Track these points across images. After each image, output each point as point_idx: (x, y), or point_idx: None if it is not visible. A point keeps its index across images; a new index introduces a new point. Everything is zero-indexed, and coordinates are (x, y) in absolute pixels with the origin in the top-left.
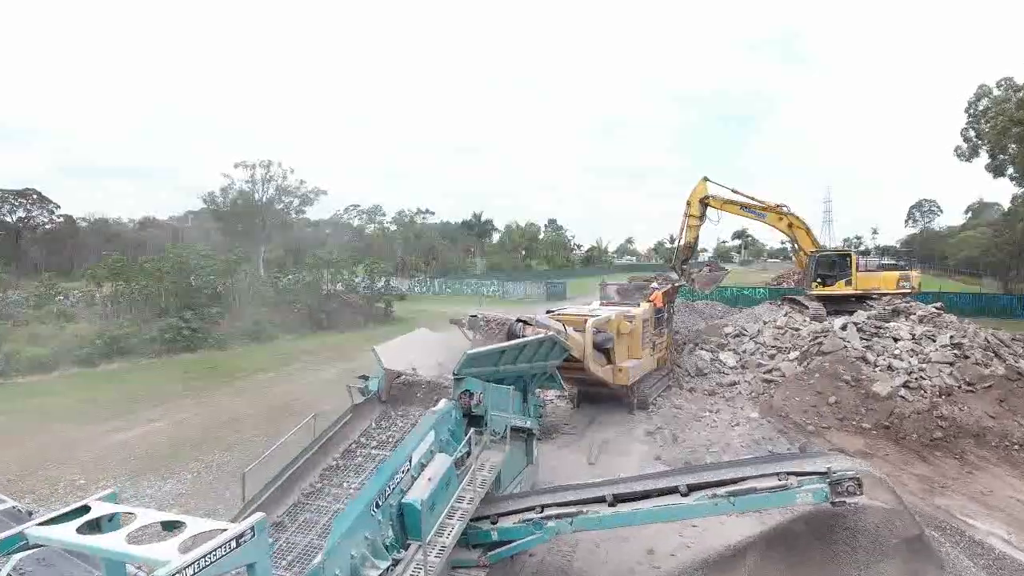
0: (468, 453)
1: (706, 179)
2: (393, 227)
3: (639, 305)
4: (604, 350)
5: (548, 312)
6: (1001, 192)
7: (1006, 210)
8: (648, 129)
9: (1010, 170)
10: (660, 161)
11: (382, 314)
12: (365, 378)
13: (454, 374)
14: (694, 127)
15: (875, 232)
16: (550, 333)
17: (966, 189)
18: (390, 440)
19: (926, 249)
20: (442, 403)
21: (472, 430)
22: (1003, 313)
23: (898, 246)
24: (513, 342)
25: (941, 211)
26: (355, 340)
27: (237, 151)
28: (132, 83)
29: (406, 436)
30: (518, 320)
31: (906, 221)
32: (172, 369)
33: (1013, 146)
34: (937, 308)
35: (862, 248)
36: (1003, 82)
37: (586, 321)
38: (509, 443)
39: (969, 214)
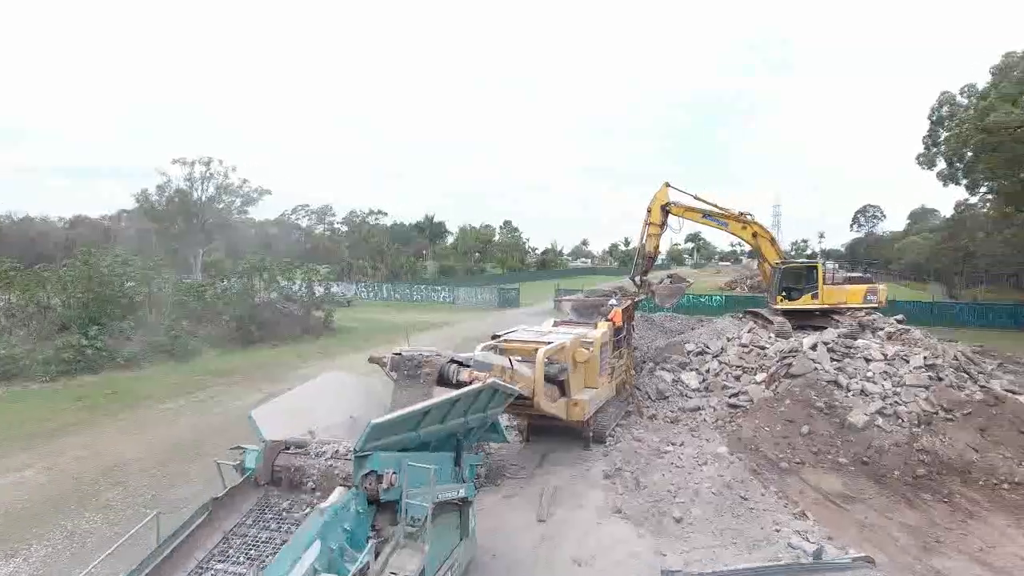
0: (373, 560)
1: (668, 184)
2: (344, 228)
3: (596, 326)
4: (558, 382)
5: (494, 337)
6: (949, 199)
7: (947, 217)
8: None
9: (964, 180)
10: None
11: (321, 325)
12: (242, 449)
13: (355, 451)
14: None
15: (821, 236)
16: (490, 380)
17: (914, 195)
18: (264, 546)
19: (871, 253)
20: (335, 495)
21: (372, 541)
22: (955, 321)
23: (843, 250)
24: (437, 400)
25: (884, 216)
26: (287, 356)
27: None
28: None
29: (288, 542)
30: (452, 361)
31: (851, 225)
32: (66, 396)
33: (970, 153)
34: (899, 321)
35: (808, 252)
36: (966, 89)
37: (537, 350)
38: (431, 535)
39: (910, 220)
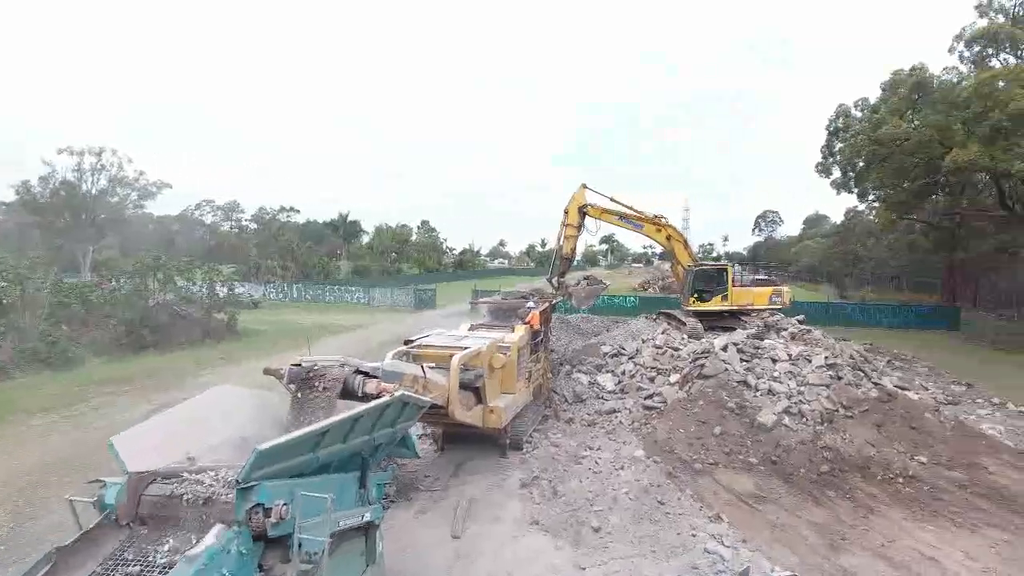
0: None
1: (584, 186)
2: (253, 225)
3: (514, 329)
4: (473, 389)
5: (407, 343)
6: (841, 206)
7: (837, 223)
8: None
9: (856, 189)
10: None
11: (224, 328)
12: (101, 483)
13: (238, 482)
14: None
15: (726, 240)
16: (398, 393)
17: (814, 201)
18: None
19: (771, 256)
20: (211, 536)
21: None
22: (847, 321)
23: (744, 253)
24: (337, 418)
25: (782, 221)
26: (183, 362)
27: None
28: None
29: None
30: (357, 372)
31: (753, 230)
32: None
33: (862, 163)
34: (800, 321)
35: (714, 255)
36: (859, 102)
37: (451, 357)
38: (329, 569)
39: (805, 225)
